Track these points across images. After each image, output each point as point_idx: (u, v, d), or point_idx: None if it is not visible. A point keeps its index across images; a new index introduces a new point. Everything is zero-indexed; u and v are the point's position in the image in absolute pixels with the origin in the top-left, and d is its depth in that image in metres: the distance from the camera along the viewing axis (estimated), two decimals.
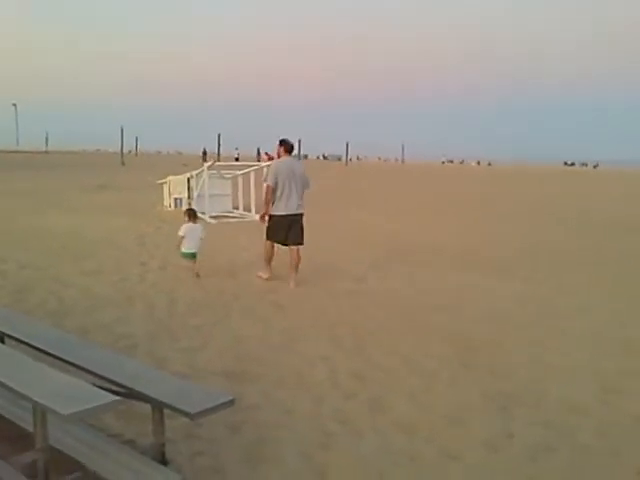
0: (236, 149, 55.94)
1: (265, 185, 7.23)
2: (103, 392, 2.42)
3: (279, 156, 7.48)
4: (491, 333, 5.57)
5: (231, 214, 14.25)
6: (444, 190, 27.79)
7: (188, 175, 14.17)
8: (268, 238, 7.40)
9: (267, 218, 7.35)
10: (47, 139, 74.86)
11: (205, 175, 13.45)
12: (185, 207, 14.22)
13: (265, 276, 7.52)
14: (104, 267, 8.01)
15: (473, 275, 8.21)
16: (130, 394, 2.80)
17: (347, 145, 71.79)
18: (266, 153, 54.21)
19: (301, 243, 7.32)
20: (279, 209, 7.18)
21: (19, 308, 5.81)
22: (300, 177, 7.24)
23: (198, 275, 7.48)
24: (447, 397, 4.10)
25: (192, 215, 7.66)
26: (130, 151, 65.25)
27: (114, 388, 2.76)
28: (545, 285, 7.81)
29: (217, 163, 14.53)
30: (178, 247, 7.66)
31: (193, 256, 7.57)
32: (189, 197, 14.10)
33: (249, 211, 14.11)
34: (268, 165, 10.22)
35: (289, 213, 7.18)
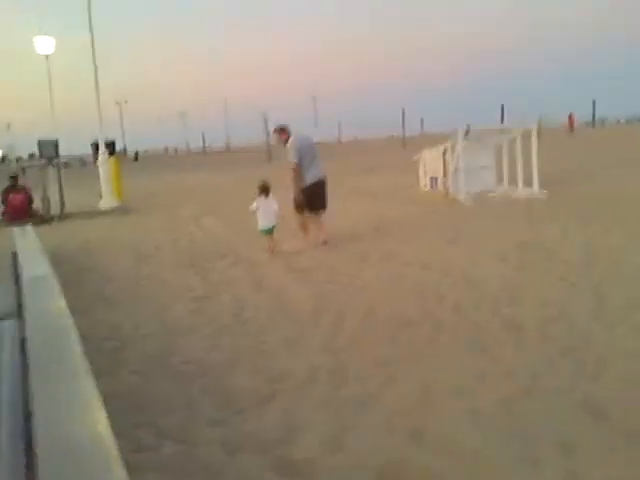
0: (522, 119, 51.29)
1: (291, 163, 7.47)
2: None
3: (286, 140, 7.68)
4: None
5: (493, 192, 11.93)
6: None
7: (442, 148, 12.32)
8: (301, 210, 7.58)
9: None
10: (339, 128, 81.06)
11: (459, 146, 11.40)
12: (440, 187, 12.53)
13: (301, 246, 7.53)
14: (313, 265, 6.74)
15: None
16: None
17: None
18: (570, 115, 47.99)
19: (325, 207, 7.71)
20: (308, 179, 7.48)
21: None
22: (313, 144, 7.91)
23: (272, 252, 7.27)
24: None
25: (264, 189, 7.30)
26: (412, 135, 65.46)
27: None
28: None
29: (475, 129, 12.27)
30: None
31: (272, 231, 7.34)
32: (444, 174, 12.26)
33: (516, 185, 11.63)
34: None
35: (318, 179, 7.59)
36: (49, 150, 11.98)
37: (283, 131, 7.80)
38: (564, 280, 5.31)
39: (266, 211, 7.24)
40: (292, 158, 7.45)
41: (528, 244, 6.90)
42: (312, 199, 7.49)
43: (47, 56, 24.64)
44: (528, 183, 11.30)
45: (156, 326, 4.91)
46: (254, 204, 7.35)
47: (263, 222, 7.29)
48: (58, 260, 8.08)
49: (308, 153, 7.55)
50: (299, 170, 7.43)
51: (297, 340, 4.26)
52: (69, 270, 7.52)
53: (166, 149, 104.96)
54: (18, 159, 67.31)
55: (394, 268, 6.26)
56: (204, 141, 69.55)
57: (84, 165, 50.40)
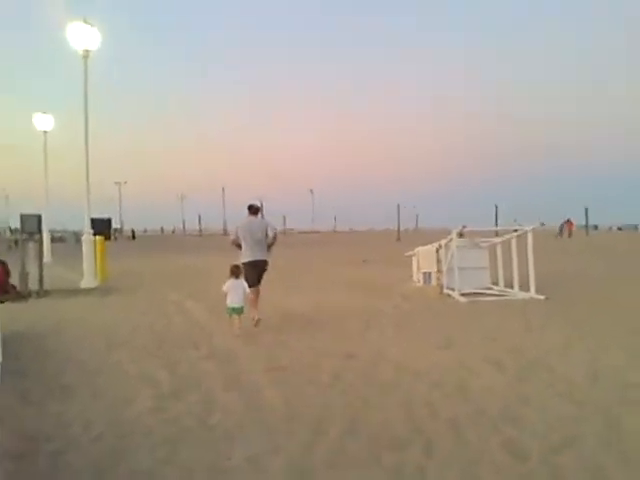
0: (515, 220, 52.48)
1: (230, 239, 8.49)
2: None
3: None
4: None
5: (488, 291, 11.56)
6: None
7: (436, 245, 12.08)
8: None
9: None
10: (335, 219, 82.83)
11: (454, 245, 11.16)
12: (434, 283, 12.18)
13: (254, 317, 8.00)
14: (294, 362, 6.20)
15: None
16: None
17: None
18: (568, 220, 50.89)
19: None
20: (243, 257, 8.22)
21: None
22: (259, 230, 8.30)
23: (238, 331, 7.50)
24: None
25: (235, 272, 7.66)
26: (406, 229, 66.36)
27: None
28: None
29: (469, 229, 12.15)
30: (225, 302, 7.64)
31: (239, 311, 7.60)
32: (438, 270, 11.94)
33: (511, 287, 11.28)
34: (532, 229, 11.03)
35: (253, 260, 8.21)
36: (31, 224, 11.56)
37: (249, 208, 8.52)
38: (568, 397, 4.80)
39: (235, 292, 7.56)
40: (231, 233, 8.51)
41: (526, 353, 6.41)
42: (246, 274, 8.04)
43: (45, 132, 25.07)
44: (525, 284, 10.96)
45: (109, 426, 4.32)
46: (225, 285, 7.61)
47: (231, 301, 7.55)
48: (25, 341, 7.55)
49: (248, 236, 8.20)
50: (235, 244, 8.33)
51: (266, 456, 3.68)
52: (33, 353, 6.96)
53: (162, 229, 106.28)
54: (14, 231, 67.20)
55: (383, 373, 5.72)
56: (200, 223, 70.45)
57: (78, 241, 50.22)
